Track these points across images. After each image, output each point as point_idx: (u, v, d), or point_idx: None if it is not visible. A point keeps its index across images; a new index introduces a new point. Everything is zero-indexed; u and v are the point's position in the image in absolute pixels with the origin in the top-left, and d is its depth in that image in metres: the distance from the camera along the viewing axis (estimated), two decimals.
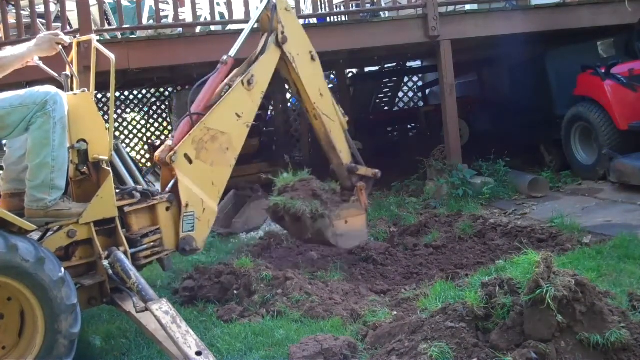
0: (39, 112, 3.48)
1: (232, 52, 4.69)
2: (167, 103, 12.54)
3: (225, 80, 4.59)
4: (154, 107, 12.84)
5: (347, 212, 5.33)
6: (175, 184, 4.19)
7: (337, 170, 5.46)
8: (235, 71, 4.69)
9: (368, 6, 8.21)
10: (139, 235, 3.92)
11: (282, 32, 4.77)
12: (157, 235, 4.05)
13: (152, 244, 4.00)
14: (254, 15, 4.85)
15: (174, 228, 4.16)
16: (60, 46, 3.78)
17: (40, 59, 3.92)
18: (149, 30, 7.55)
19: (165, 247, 4.11)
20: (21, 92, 3.59)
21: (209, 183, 4.31)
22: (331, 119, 5.16)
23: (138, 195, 3.98)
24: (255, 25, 4.97)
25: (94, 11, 7.33)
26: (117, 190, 3.89)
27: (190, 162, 4.22)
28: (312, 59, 5.03)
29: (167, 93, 12.58)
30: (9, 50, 3.81)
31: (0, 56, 3.72)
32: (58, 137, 3.53)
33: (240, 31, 7.48)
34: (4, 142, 3.97)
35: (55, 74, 4.02)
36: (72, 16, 7.37)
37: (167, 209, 4.13)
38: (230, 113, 4.43)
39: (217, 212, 4.39)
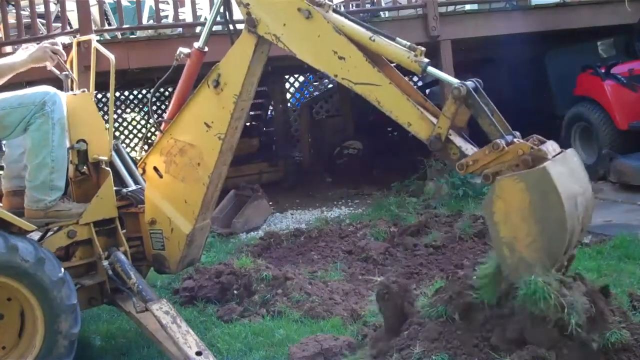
0: (38, 112, 3.48)
1: (201, 41, 3.76)
2: (167, 103, 12.54)
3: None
4: (154, 107, 12.82)
5: None
6: None
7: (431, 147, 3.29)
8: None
9: (368, 6, 8.21)
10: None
11: (248, 13, 3.42)
12: (136, 242, 3.92)
13: (133, 249, 3.86)
14: (215, 5, 3.75)
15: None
16: (57, 56, 3.73)
17: None
18: (149, 30, 7.55)
19: (147, 259, 3.95)
20: (19, 92, 3.58)
21: (182, 201, 3.70)
22: (373, 84, 3.19)
23: (139, 199, 3.92)
24: None
25: (94, 11, 7.33)
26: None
27: (161, 176, 3.74)
28: (308, 16, 3.22)
29: (167, 93, 12.58)
30: (2, 60, 3.78)
31: None
32: (57, 138, 3.52)
33: (240, 31, 7.52)
34: (3, 142, 3.97)
35: (59, 73, 4.00)
36: (72, 16, 7.36)
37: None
38: (196, 122, 3.60)
39: (188, 234, 3.72)
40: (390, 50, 3.16)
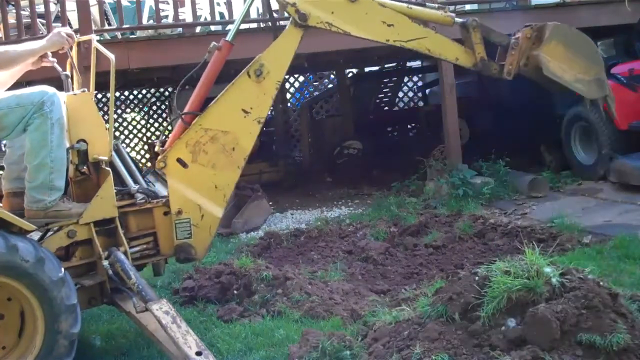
0: (36, 113, 3.48)
1: (230, 35, 4.07)
2: (167, 103, 12.54)
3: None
4: (154, 107, 12.84)
5: None
6: None
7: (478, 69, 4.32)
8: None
9: None
10: (129, 237, 3.84)
11: (297, 10, 3.88)
12: (149, 238, 3.93)
13: (144, 246, 3.90)
14: (245, 5, 4.23)
15: (171, 234, 3.95)
16: (72, 40, 3.76)
17: (54, 56, 3.90)
18: (149, 30, 7.55)
19: (161, 252, 3.97)
20: (18, 92, 3.58)
21: (211, 187, 3.94)
22: (419, 38, 4.09)
23: (140, 196, 3.90)
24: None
25: (94, 11, 7.33)
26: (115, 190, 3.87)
27: (185, 166, 3.90)
28: (353, 0, 3.95)
29: (167, 93, 12.58)
30: (21, 45, 3.79)
31: (10, 49, 3.70)
32: (56, 138, 3.52)
33: (239, 31, 7.51)
34: (3, 142, 3.97)
35: (65, 74, 4.00)
36: (72, 16, 7.37)
37: (166, 213, 3.94)
38: (233, 110, 3.92)
39: (220, 217, 4.00)
40: (425, 12, 4.13)
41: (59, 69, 3.99)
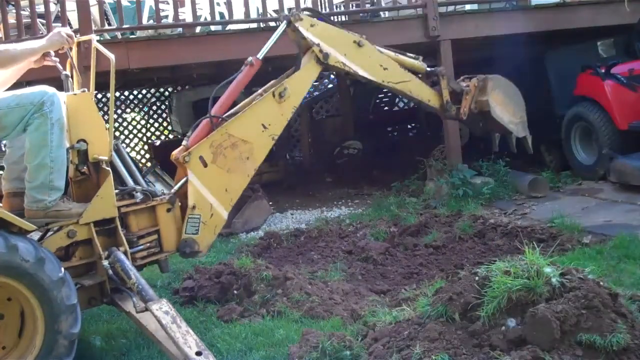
0: (36, 113, 3.47)
1: (260, 54, 4.46)
2: (167, 103, 12.54)
3: (260, 90, 4.52)
4: (154, 107, 12.84)
5: None
6: (185, 184, 4.13)
7: (437, 111, 5.22)
8: (271, 82, 4.51)
9: (368, 6, 8.21)
10: (135, 235, 3.89)
11: (321, 51, 4.45)
12: (154, 236, 3.98)
13: (148, 244, 3.95)
14: (272, 37, 4.55)
15: (175, 229, 4.08)
16: (72, 40, 3.77)
17: (57, 55, 3.90)
18: (149, 30, 7.55)
19: (164, 249, 4.06)
20: (17, 92, 3.58)
21: (222, 189, 4.16)
22: (404, 81, 4.88)
23: (140, 195, 3.93)
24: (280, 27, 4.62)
25: (94, 11, 7.33)
26: (116, 190, 3.88)
27: (205, 165, 4.10)
28: (359, 45, 4.65)
29: (167, 93, 12.58)
30: (21, 44, 3.79)
31: (10, 47, 3.70)
32: (56, 138, 3.52)
33: (240, 31, 7.52)
34: (3, 142, 3.97)
35: (65, 73, 4.01)
36: (72, 16, 7.37)
37: (168, 210, 4.04)
38: (256, 123, 4.26)
39: (226, 219, 4.23)
40: (407, 60, 4.95)
41: (61, 68, 3.99)
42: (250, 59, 4.39)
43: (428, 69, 5.01)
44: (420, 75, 5.00)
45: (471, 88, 5.12)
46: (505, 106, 5.28)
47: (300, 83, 4.47)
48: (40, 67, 3.89)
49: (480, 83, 5.14)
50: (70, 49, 3.87)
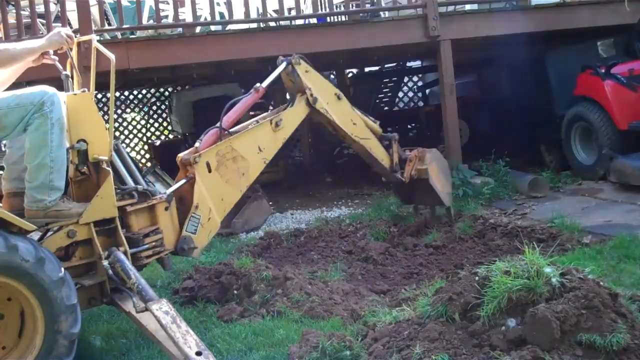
0: (37, 113, 3.48)
1: (265, 84, 4.94)
2: (167, 103, 12.54)
3: (257, 117, 4.97)
4: (154, 107, 12.84)
5: None
6: (188, 185, 4.31)
7: (381, 173, 6.09)
8: (269, 112, 5.08)
9: (368, 6, 8.20)
10: (141, 234, 3.92)
11: (312, 95, 5.09)
12: (159, 235, 4.05)
13: (153, 243, 4.00)
14: (274, 73, 5.05)
15: (173, 227, 4.18)
16: (71, 40, 3.77)
17: (56, 55, 3.90)
18: (149, 30, 7.55)
19: (165, 247, 4.11)
20: (18, 92, 3.58)
21: (219, 197, 4.44)
22: (367, 138, 5.63)
23: (135, 195, 3.96)
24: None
25: (94, 11, 7.33)
26: (117, 190, 3.89)
27: (210, 171, 4.39)
28: (339, 98, 5.38)
29: (167, 93, 12.58)
30: (21, 43, 3.79)
31: (10, 47, 3.70)
32: (56, 138, 3.52)
33: (240, 31, 7.53)
34: (3, 142, 3.97)
35: (66, 73, 4.01)
36: (72, 16, 7.37)
37: (166, 208, 4.13)
38: (254, 143, 4.68)
39: (219, 227, 4.49)
40: (369, 122, 5.73)
41: (60, 67, 3.99)
42: (257, 85, 4.89)
43: (383, 133, 5.86)
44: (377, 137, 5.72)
45: (413, 157, 5.99)
46: (439, 177, 6.09)
47: (293, 117, 5.03)
48: (39, 66, 3.89)
49: (420, 154, 6.00)
50: (70, 49, 3.87)
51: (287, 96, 5.41)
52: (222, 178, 4.45)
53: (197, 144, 4.44)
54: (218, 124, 4.56)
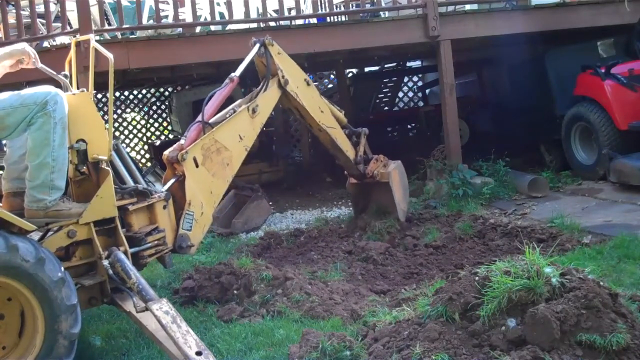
0: (40, 112, 3.48)
1: (237, 72, 4.97)
2: (167, 103, 12.53)
3: (231, 106, 4.91)
4: (154, 107, 12.83)
5: None
6: (178, 183, 4.30)
7: (344, 165, 6.15)
8: (239, 101, 5.02)
9: (368, 6, 8.21)
10: (143, 233, 3.93)
11: (283, 77, 5.17)
12: (162, 233, 4.07)
13: (156, 242, 4.02)
14: (247, 57, 5.10)
15: (171, 226, 4.22)
16: (33, 56, 3.74)
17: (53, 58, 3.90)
18: (149, 30, 7.55)
19: (167, 245, 4.13)
20: (21, 92, 3.58)
21: (208, 191, 4.49)
22: (333, 127, 5.71)
23: (133, 194, 3.98)
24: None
25: (94, 11, 7.33)
26: (117, 190, 3.89)
27: (197, 166, 4.40)
28: (308, 84, 5.49)
29: (167, 93, 12.58)
30: None
31: None
32: (58, 137, 3.52)
33: (240, 31, 7.52)
34: (4, 142, 3.97)
35: (65, 74, 4.01)
36: (72, 16, 7.37)
37: (164, 207, 4.15)
38: (234, 132, 4.72)
39: (211, 220, 4.55)
40: (334, 110, 5.86)
41: (51, 71, 3.98)
42: (232, 75, 4.92)
43: (352, 128, 6.06)
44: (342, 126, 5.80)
45: (379, 158, 6.17)
46: (398, 188, 6.22)
47: (268, 101, 5.09)
48: (17, 70, 3.87)
49: (386, 160, 6.20)
50: (68, 47, 3.87)
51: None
52: (209, 171, 4.49)
53: (182, 141, 4.46)
54: (199, 118, 4.58)
